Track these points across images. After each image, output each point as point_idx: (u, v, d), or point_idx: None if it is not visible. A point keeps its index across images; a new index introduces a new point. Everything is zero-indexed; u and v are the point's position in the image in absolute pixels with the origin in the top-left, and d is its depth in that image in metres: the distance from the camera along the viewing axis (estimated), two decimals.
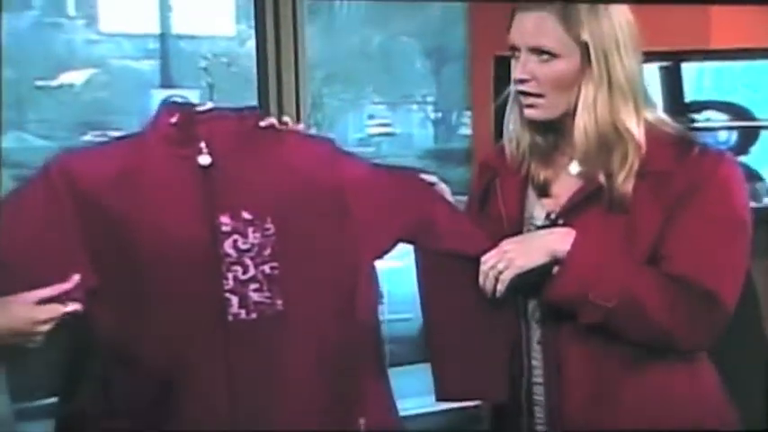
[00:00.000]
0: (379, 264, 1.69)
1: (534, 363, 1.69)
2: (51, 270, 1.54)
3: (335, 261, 1.65)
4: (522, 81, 1.63)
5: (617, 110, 1.61)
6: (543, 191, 1.70)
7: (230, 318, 1.59)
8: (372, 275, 1.69)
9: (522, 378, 1.69)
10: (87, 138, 3.75)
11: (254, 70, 2.92)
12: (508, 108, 1.72)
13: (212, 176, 1.61)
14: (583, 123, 1.62)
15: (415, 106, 4.74)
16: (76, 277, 1.54)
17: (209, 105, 1.66)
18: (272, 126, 1.68)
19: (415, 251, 1.71)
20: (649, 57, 1.71)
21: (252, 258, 1.60)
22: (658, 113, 1.69)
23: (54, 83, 3.92)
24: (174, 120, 1.63)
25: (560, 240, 1.60)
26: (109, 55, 4.02)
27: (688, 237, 1.59)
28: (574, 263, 1.58)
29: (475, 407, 2.17)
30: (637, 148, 1.62)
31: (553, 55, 1.61)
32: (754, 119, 2.68)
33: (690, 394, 1.65)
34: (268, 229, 1.62)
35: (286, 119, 1.74)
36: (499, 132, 1.77)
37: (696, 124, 2.65)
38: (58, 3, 4.04)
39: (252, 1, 2.91)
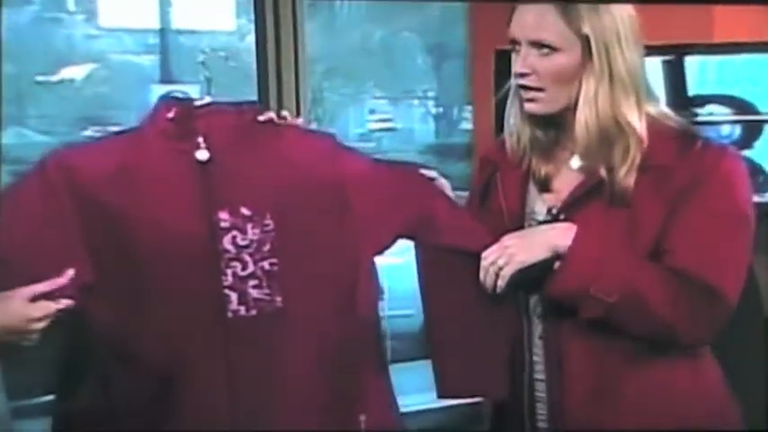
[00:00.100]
0: (379, 260, 1.69)
1: (536, 358, 1.68)
2: (49, 266, 1.53)
3: (335, 257, 1.64)
4: (522, 75, 1.63)
5: (618, 104, 1.61)
6: (544, 186, 1.69)
7: (230, 314, 1.58)
8: (372, 271, 1.68)
9: (523, 374, 1.69)
10: (88, 133, 3.74)
11: (255, 65, 2.91)
12: (509, 102, 1.71)
13: (210, 172, 1.60)
14: (584, 117, 1.61)
15: (416, 101, 4.74)
16: (71, 272, 1.53)
17: (207, 100, 1.65)
18: (270, 120, 1.67)
19: (416, 247, 1.70)
20: (652, 51, 1.70)
21: (251, 254, 1.60)
22: (661, 107, 1.69)
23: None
24: (171, 114, 1.62)
25: (561, 235, 1.59)
26: (109, 50, 4.01)
27: (690, 231, 1.58)
28: (575, 258, 1.57)
29: (476, 404, 2.16)
30: (638, 142, 1.61)
31: (554, 48, 1.60)
32: (757, 113, 2.67)
33: (692, 389, 1.65)
34: (267, 225, 1.61)
35: (285, 113, 1.73)
36: (500, 127, 1.76)
37: (699, 118, 2.64)
38: None
39: None
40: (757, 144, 2.67)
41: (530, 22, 1.61)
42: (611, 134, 1.61)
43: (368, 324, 1.67)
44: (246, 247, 1.59)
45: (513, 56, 1.65)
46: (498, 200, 1.72)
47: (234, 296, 1.59)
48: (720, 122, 2.68)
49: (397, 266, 1.88)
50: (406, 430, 1.76)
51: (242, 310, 1.59)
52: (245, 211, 1.60)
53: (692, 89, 2.68)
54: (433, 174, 1.74)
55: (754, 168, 2.59)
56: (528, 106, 1.65)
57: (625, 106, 1.61)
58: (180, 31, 3.96)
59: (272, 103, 2.84)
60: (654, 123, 1.63)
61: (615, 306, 1.56)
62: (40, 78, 3.85)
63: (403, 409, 1.74)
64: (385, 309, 1.79)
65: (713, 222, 1.58)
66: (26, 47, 3.69)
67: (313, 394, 1.61)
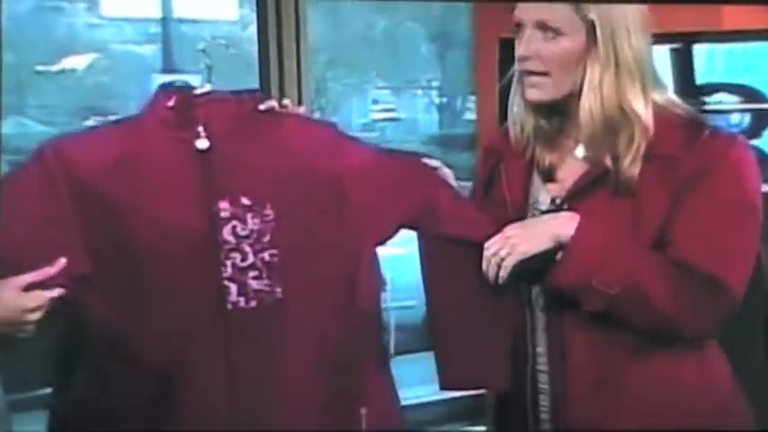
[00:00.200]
0: (382, 251, 1.67)
1: (539, 350, 1.67)
2: (46, 256, 1.51)
3: (336, 248, 1.62)
4: (526, 58, 1.60)
5: (624, 91, 1.59)
6: (548, 175, 1.67)
7: (229, 306, 1.57)
8: (374, 262, 1.67)
9: (526, 366, 1.67)
10: (89, 123, 3.73)
11: (257, 55, 2.90)
12: (512, 90, 1.69)
13: (210, 161, 1.59)
14: (588, 105, 1.59)
15: (419, 91, 4.74)
16: (62, 261, 1.52)
17: (208, 88, 1.63)
18: (271, 109, 1.66)
19: (418, 237, 1.69)
20: (660, 38, 1.68)
21: (251, 245, 1.58)
22: (668, 95, 1.67)
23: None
24: (171, 103, 1.60)
25: (564, 225, 1.57)
26: (110, 39, 4.01)
27: (696, 221, 1.56)
28: (577, 248, 1.55)
29: (478, 396, 2.15)
30: (644, 131, 1.59)
31: (559, 32, 1.58)
32: (766, 101, 2.65)
33: (698, 382, 1.63)
34: (267, 215, 1.59)
35: (286, 102, 1.71)
36: (504, 115, 1.75)
37: (708, 107, 2.62)
38: None
39: None
40: (766, 133, 2.66)
41: (536, 4, 1.58)
42: (615, 122, 1.59)
43: (369, 315, 1.66)
44: (246, 237, 1.58)
45: (517, 42, 1.63)
46: (502, 190, 1.70)
47: (234, 287, 1.57)
48: (729, 111, 2.66)
49: (400, 257, 1.87)
50: (409, 423, 1.75)
51: (242, 301, 1.57)
52: (245, 200, 1.59)
53: (701, 77, 2.67)
54: (436, 163, 1.73)
55: (763, 157, 2.57)
56: (530, 93, 1.63)
57: (630, 94, 1.59)
58: (182, 21, 3.96)
59: (275, 92, 2.83)
60: (660, 111, 1.61)
61: (617, 298, 1.54)
62: (40, 68, 3.85)
63: (405, 402, 1.73)
64: (388, 300, 1.77)
65: (721, 212, 1.56)
66: (27, 36, 3.69)
67: (313, 391, 1.60)
